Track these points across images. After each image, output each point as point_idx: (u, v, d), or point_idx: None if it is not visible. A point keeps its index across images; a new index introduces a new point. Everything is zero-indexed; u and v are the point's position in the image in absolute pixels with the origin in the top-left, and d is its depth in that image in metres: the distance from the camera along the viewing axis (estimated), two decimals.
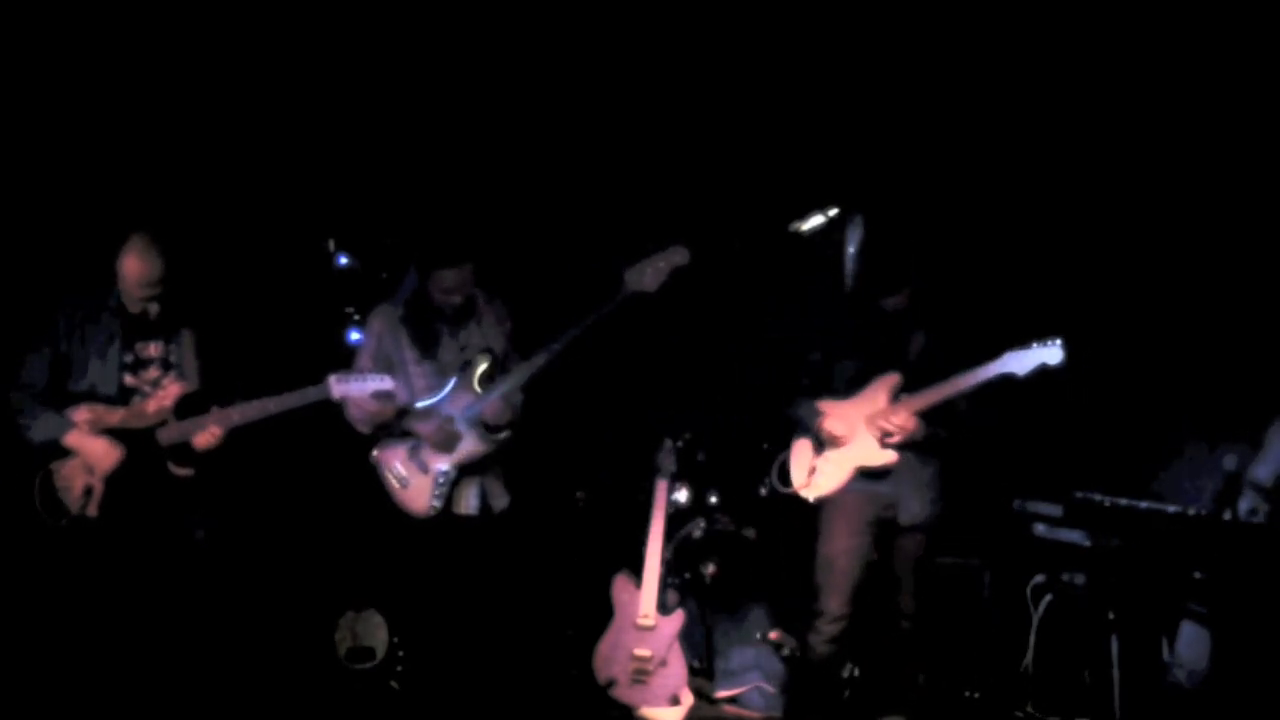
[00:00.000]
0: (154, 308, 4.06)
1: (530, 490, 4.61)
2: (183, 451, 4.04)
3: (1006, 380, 4.08)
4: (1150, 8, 4.78)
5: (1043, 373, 4.04)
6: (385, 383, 4.06)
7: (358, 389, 4.05)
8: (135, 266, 3.98)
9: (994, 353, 4.13)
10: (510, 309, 4.39)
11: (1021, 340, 4.11)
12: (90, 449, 3.95)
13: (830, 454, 4.36)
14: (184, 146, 5.14)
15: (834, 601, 4.27)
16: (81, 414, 3.97)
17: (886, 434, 4.23)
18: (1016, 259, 5.47)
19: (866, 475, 4.30)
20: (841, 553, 4.28)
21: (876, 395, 4.30)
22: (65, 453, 3.98)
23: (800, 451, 4.49)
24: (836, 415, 4.35)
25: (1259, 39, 4.63)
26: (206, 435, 4.02)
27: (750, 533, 5.55)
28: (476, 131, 5.57)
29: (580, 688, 4.94)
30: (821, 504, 4.39)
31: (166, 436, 4.03)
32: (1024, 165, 5.38)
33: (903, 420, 4.19)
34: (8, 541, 4.02)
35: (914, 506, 4.30)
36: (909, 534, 4.32)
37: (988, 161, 5.45)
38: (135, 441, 4.00)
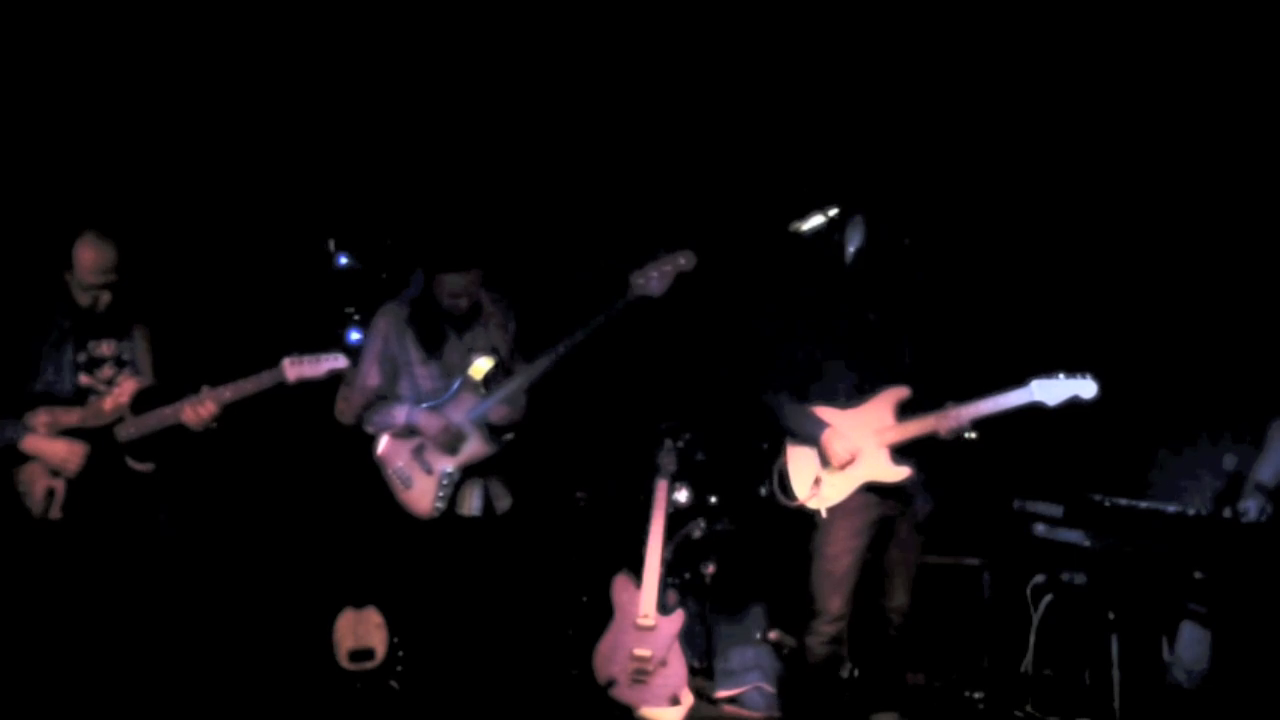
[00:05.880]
0: (104, 296, 4.04)
1: (533, 491, 4.61)
2: (142, 447, 4.03)
3: (1034, 409, 4.03)
4: (1148, 10, 4.79)
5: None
6: (339, 361, 4.05)
7: (312, 371, 4.03)
8: (89, 254, 3.96)
9: (963, 369, 4.10)
10: (516, 311, 4.39)
11: (1000, 358, 4.07)
12: (51, 451, 3.92)
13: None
14: (186, 146, 5.15)
15: (834, 602, 4.22)
16: (39, 417, 3.94)
17: (899, 449, 4.18)
18: (1015, 260, 5.49)
19: (872, 488, 4.24)
20: (843, 554, 4.22)
21: (882, 408, 4.22)
22: (21, 458, 3.93)
23: (799, 460, 4.32)
24: (840, 428, 4.22)
25: (1249, 43, 4.66)
26: (193, 415, 3.97)
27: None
28: (483, 136, 5.58)
29: (580, 688, 4.95)
30: None
31: (125, 433, 4.01)
32: (1023, 166, 5.40)
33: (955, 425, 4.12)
34: None
35: (924, 506, 4.28)
36: (913, 533, 4.28)
37: (986, 163, 5.46)
38: (95, 440, 3.98)
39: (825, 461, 4.25)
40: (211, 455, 4.25)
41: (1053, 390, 4.00)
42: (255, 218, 5.37)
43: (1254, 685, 4.03)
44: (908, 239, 4.59)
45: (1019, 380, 4.06)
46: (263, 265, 5.38)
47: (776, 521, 5.35)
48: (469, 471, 4.24)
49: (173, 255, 4.79)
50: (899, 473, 4.19)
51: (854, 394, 4.27)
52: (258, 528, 5.19)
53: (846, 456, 4.19)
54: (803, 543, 4.34)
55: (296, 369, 4.01)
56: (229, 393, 4.00)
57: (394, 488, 4.26)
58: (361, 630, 4.95)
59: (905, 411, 4.21)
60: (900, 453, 4.21)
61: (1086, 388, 3.98)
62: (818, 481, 4.26)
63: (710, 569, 5.49)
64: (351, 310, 5.55)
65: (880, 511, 4.25)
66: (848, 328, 4.31)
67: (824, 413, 4.28)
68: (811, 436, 4.26)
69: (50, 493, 3.93)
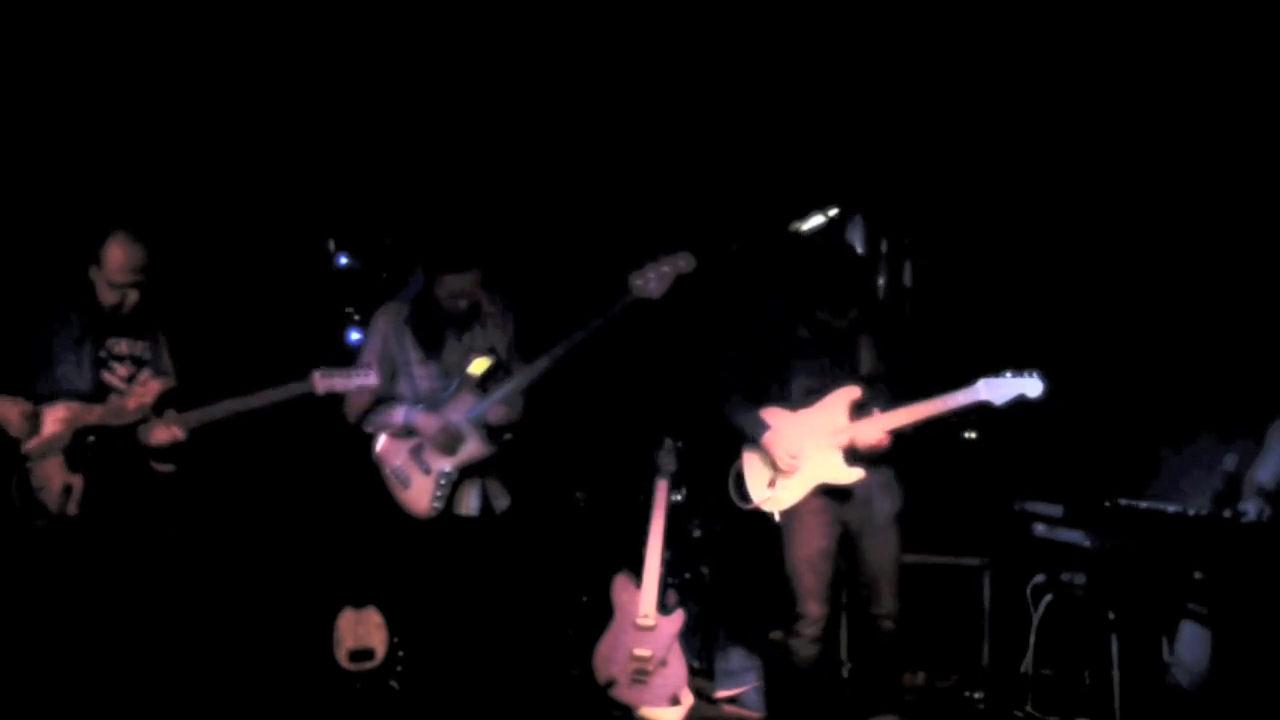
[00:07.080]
0: (132, 295, 4.07)
1: (531, 491, 4.61)
2: (164, 448, 4.05)
3: (982, 409, 3.99)
4: (1148, 12, 4.79)
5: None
6: (369, 378, 4.12)
7: (342, 385, 4.10)
8: (119, 253, 4.01)
9: (963, 367, 4.04)
10: (516, 312, 4.39)
11: (999, 357, 4.03)
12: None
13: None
14: (186, 145, 5.15)
15: (811, 606, 4.18)
16: (58, 412, 3.96)
17: (853, 451, 4.12)
18: (1015, 261, 5.49)
19: (829, 490, 4.20)
20: (810, 556, 4.18)
21: (834, 409, 4.16)
22: (38, 455, 3.94)
23: (754, 463, 4.32)
24: (786, 429, 4.19)
25: (1250, 45, 4.66)
26: (166, 433, 4.03)
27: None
28: (483, 136, 5.58)
29: (580, 688, 4.95)
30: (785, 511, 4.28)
31: (169, 433, 4.03)
32: (1021, 162, 5.40)
33: (875, 441, 4.07)
34: None
35: (885, 504, 4.19)
36: (883, 531, 4.20)
37: (984, 160, 5.46)
38: (116, 439, 4.00)
39: (774, 464, 4.23)
40: (210, 455, 4.26)
41: (999, 389, 3.93)
42: (255, 218, 5.37)
43: (1254, 685, 4.03)
44: (880, 242, 4.57)
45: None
46: (262, 265, 5.38)
47: (775, 522, 5.35)
48: (467, 471, 4.24)
49: (174, 255, 4.80)
50: (853, 474, 4.13)
51: (807, 395, 4.22)
52: (257, 527, 5.19)
53: (789, 459, 4.17)
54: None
55: (326, 381, 4.09)
56: (257, 400, 4.06)
57: (392, 487, 4.27)
58: (361, 630, 4.94)
59: (860, 412, 4.15)
60: (861, 454, 4.15)
61: (1032, 386, 3.90)
62: (772, 484, 4.25)
63: (710, 569, 5.50)
64: (351, 310, 5.56)
65: (842, 515, 4.21)
66: (806, 328, 4.27)
67: (772, 415, 4.24)
68: (754, 439, 4.25)
69: (67, 489, 3.95)
